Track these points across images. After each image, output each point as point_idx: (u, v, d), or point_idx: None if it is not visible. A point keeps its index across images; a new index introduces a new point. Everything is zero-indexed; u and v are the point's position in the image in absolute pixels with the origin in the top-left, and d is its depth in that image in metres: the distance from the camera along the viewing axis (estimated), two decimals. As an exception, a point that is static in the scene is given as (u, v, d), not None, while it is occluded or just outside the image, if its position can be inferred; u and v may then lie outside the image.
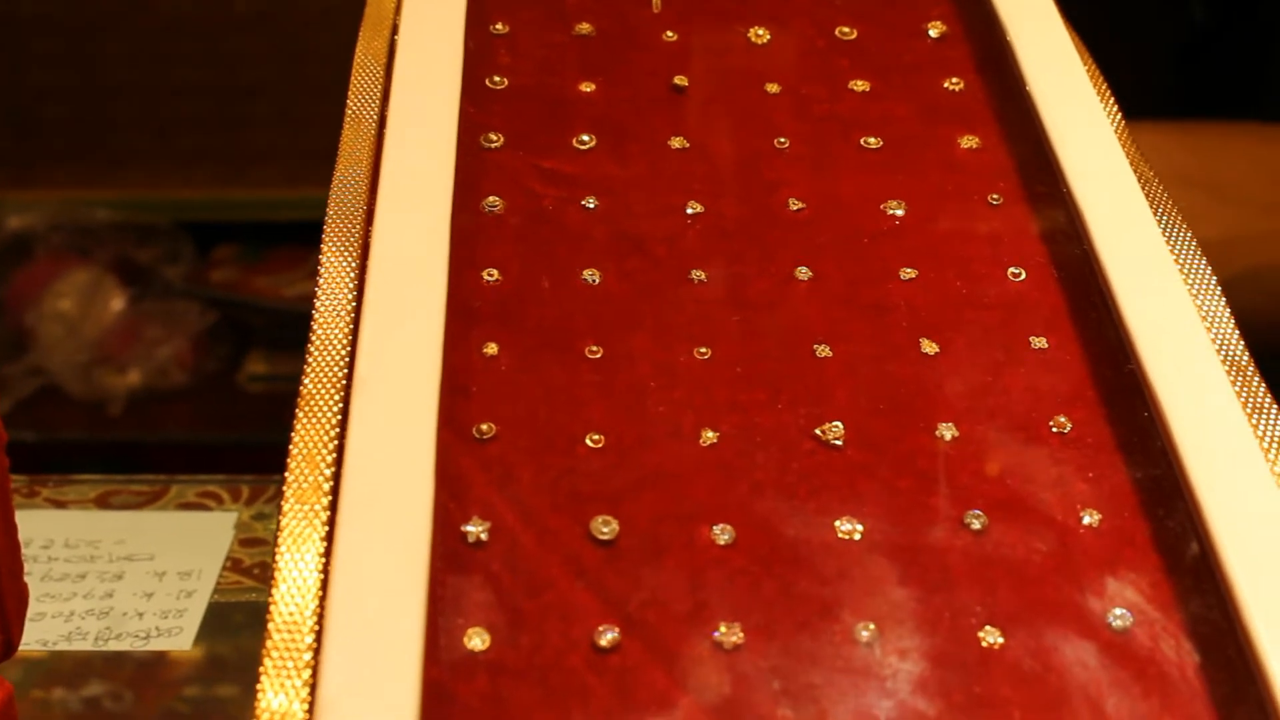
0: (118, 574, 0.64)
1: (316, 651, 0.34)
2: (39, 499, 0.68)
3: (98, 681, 0.59)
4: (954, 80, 0.52)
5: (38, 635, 0.60)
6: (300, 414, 0.39)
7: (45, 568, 0.64)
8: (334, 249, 0.43)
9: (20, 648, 0.52)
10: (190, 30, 1.42)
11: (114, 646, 0.60)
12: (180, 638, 0.61)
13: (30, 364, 1.36)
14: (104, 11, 1.40)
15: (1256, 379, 0.41)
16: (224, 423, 1.35)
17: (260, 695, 0.33)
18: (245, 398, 1.39)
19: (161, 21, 1.41)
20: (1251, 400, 0.40)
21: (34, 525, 0.66)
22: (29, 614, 0.50)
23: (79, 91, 1.44)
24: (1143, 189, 0.46)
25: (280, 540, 0.36)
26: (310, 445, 0.38)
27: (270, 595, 0.35)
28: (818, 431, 0.41)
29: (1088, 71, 0.50)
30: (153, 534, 0.66)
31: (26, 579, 0.49)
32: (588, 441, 0.40)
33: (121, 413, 1.36)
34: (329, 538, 0.36)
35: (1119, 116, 0.49)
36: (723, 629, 0.36)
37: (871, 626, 0.36)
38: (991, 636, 0.36)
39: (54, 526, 0.66)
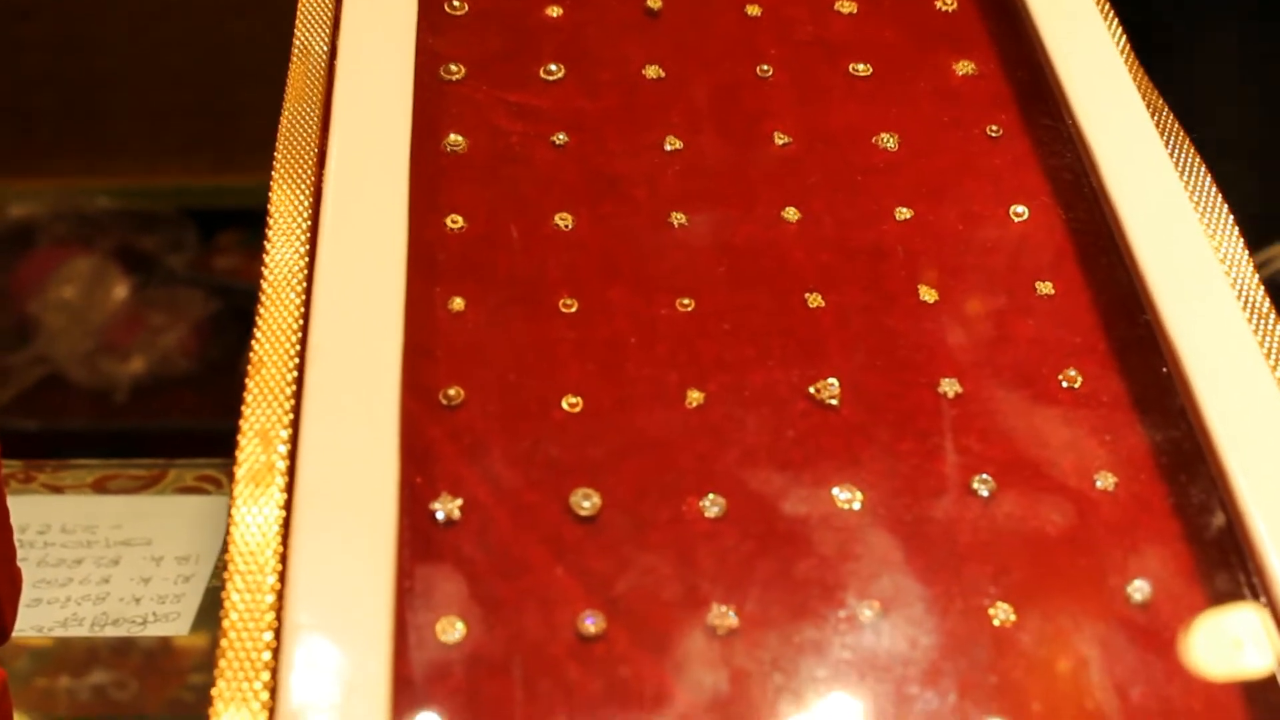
0: (114, 559, 0.62)
1: (276, 652, 0.31)
2: (35, 484, 0.66)
3: (103, 670, 0.57)
4: (947, 0, 0.48)
5: (34, 621, 0.59)
6: (251, 385, 0.35)
7: (41, 553, 0.62)
8: (284, 197, 0.40)
9: (18, 634, 0.50)
10: (186, 15, 1.38)
11: (111, 632, 0.58)
12: (178, 623, 0.59)
13: (34, 353, 1.35)
14: (98, -2, 1.36)
15: None
16: (229, 409, 1.33)
17: (215, 703, 0.31)
18: (250, 384, 1.37)
19: (157, 6, 1.37)
20: (1276, 351, 0.38)
21: (31, 511, 0.65)
22: (26, 600, 0.48)
23: (76, 79, 1.41)
24: (1153, 120, 0.43)
25: (232, 531, 0.33)
26: (263, 421, 0.35)
27: (224, 592, 0.32)
28: (811, 390, 0.38)
29: (1090, -11, 0.47)
30: (150, 519, 0.65)
31: (22, 564, 0.47)
32: (564, 405, 0.37)
33: (126, 400, 1.34)
34: (286, 524, 0.33)
35: (1124, 41, 0.45)
36: (715, 613, 0.33)
37: (876, 606, 0.34)
38: (1003, 614, 0.34)
39: (51, 512, 0.65)
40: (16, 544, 0.46)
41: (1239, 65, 0.86)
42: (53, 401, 1.33)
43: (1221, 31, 0.85)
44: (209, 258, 1.45)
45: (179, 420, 1.34)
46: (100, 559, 0.62)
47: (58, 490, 0.66)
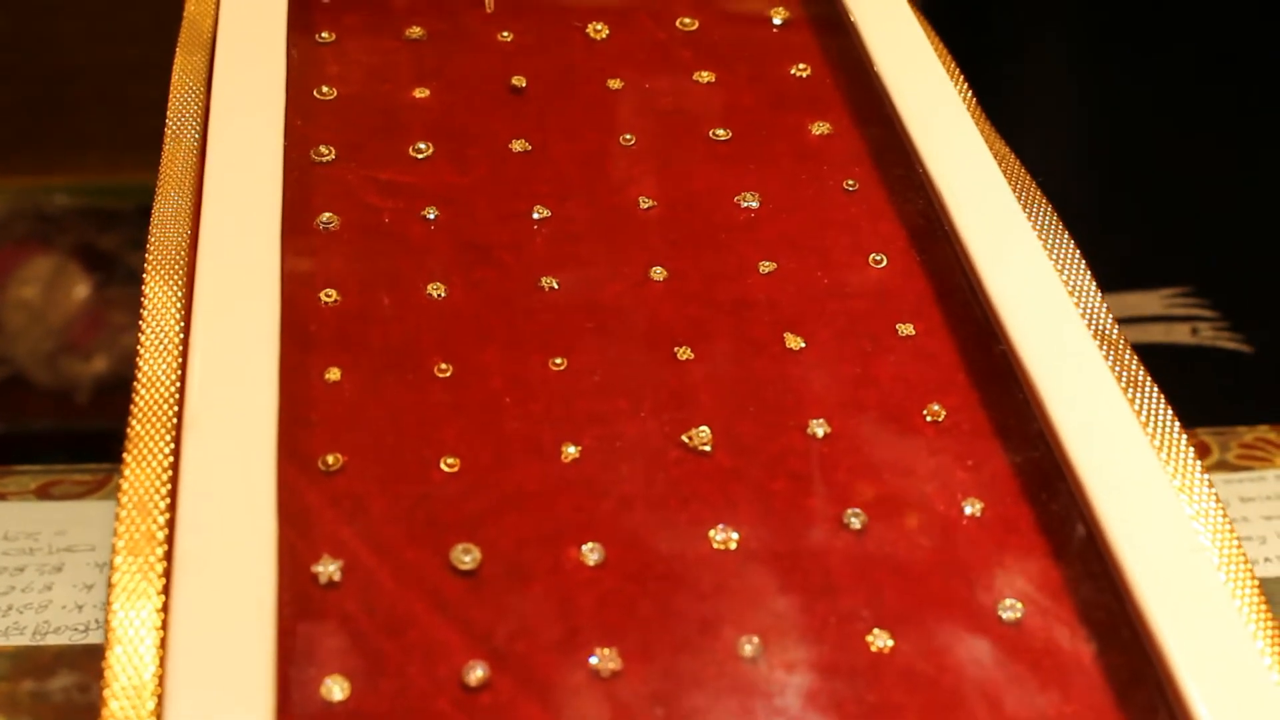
0: (57, 566, 0.61)
1: (159, 717, 0.31)
2: (-24, 493, 0.65)
3: (67, 673, 0.56)
4: (801, 66, 0.50)
5: (-26, 632, 0.57)
6: (128, 459, 0.36)
7: (-17, 563, 0.61)
8: (158, 281, 0.40)
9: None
10: (147, 10, 1.36)
11: (52, 641, 0.57)
12: None
13: (-7, 355, 1.33)
14: (57, -9, 1.35)
15: (1129, 353, 0.40)
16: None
17: (97, 770, 0.30)
18: (212, 383, 1.36)
19: (118, 1, 1.36)
20: (1125, 374, 0.39)
21: (-28, 520, 0.63)
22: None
23: (33, 75, 1.38)
24: (999, 166, 0.44)
25: (113, 598, 0.33)
26: (141, 492, 0.35)
27: (105, 659, 0.32)
28: (684, 438, 0.39)
29: (935, 51, 0.49)
30: (94, 524, 0.63)
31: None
32: (442, 466, 0.38)
33: (88, 401, 1.32)
34: (166, 591, 0.33)
35: (970, 94, 0.47)
36: (598, 655, 0.34)
37: (755, 640, 0.34)
38: (881, 640, 0.35)
39: (-8, 520, 0.63)
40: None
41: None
42: (14, 402, 1.31)
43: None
44: (169, 257, 1.44)
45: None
46: (43, 566, 0.60)
47: (0, 497, 0.64)
